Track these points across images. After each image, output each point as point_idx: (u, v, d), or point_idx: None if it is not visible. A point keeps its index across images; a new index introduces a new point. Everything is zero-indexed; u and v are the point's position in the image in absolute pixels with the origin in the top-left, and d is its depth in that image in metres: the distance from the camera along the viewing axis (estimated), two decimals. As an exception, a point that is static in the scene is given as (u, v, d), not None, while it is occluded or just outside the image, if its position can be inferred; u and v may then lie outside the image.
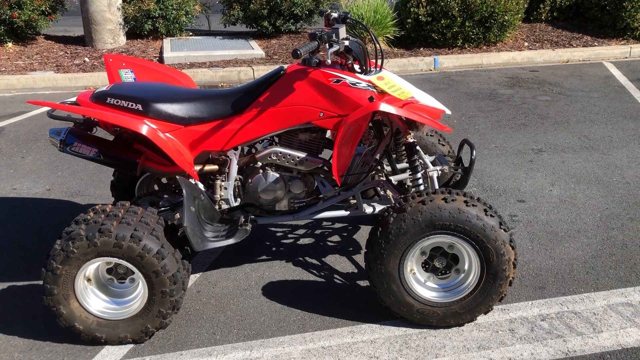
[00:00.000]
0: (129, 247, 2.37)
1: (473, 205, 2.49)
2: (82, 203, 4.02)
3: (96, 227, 2.38)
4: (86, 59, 8.12)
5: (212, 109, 2.75)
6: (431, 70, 8.39)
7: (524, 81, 7.51)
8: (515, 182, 4.31)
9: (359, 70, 2.76)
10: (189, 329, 2.68)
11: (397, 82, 2.78)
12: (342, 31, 2.64)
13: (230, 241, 2.66)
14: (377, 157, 2.94)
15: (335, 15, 2.89)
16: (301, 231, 3.60)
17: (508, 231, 2.52)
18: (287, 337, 2.61)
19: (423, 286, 2.65)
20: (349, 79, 2.67)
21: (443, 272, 2.66)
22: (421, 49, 8.84)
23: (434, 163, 3.07)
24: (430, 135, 3.43)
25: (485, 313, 2.66)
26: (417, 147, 2.90)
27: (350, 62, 2.74)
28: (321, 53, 2.66)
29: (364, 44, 2.76)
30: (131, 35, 9.06)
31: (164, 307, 2.48)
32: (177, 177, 2.62)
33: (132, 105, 2.67)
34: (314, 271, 3.15)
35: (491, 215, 2.49)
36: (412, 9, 8.70)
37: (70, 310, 2.47)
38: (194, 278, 3.10)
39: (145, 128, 2.52)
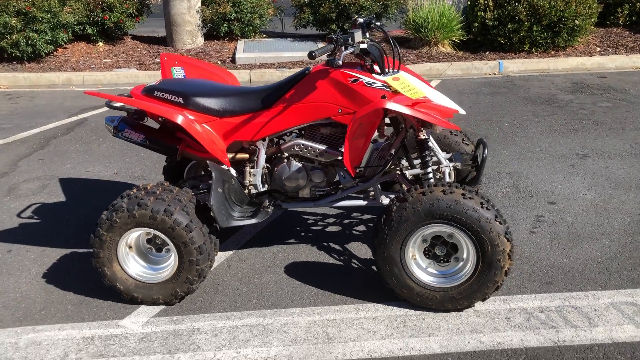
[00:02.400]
0: (162, 220, 2.76)
1: (470, 198, 2.68)
2: (143, 186, 4.50)
3: (136, 201, 2.78)
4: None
5: (244, 103, 3.09)
6: (495, 74, 8.42)
7: (588, 87, 7.41)
8: (550, 185, 4.38)
9: (379, 72, 3.02)
10: (214, 296, 3.04)
11: (412, 82, 3.01)
12: (358, 35, 2.91)
13: (253, 221, 3.00)
14: (393, 151, 3.18)
15: (361, 20, 3.15)
16: (330, 220, 3.89)
17: (504, 224, 2.69)
18: (297, 309, 2.91)
19: (423, 271, 2.87)
20: (365, 79, 2.93)
21: (443, 259, 2.86)
22: (487, 53, 8.87)
23: (449, 160, 3.27)
24: (455, 135, 3.62)
25: (482, 300, 2.84)
26: (430, 144, 3.12)
27: (368, 63, 3.00)
28: (347, 54, 2.91)
29: (381, 47, 3.01)
30: (209, 36, 9.66)
31: (191, 274, 2.85)
32: (208, 162, 2.98)
33: (174, 98, 3.07)
34: (335, 255, 3.43)
35: (487, 208, 2.68)
36: (479, 13, 8.75)
37: (113, 272, 2.89)
38: (227, 254, 3.46)
39: (180, 118, 2.91)
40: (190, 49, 9.20)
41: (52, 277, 3.23)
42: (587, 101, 6.73)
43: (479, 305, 2.91)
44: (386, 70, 3.01)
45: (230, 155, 3.19)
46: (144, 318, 2.86)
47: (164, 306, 2.95)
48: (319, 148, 3.10)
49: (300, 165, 3.15)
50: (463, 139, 3.63)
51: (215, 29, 9.46)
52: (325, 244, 3.58)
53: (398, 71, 3.05)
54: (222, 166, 3.10)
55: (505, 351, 2.58)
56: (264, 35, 10.04)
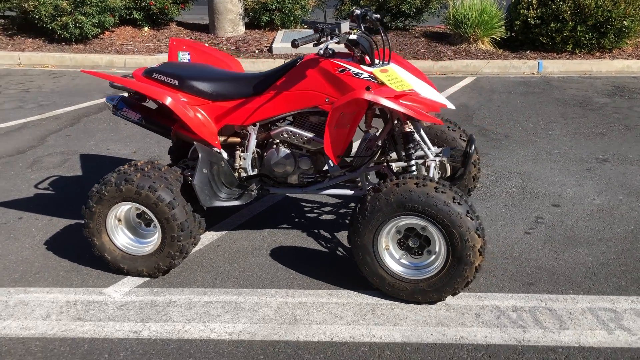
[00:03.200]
0: (146, 195, 2.89)
1: (442, 191, 2.70)
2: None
3: (124, 176, 2.93)
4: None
5: (237, 88, 3.19)
6: (533, 74, 8.23)
7: (628, 91, 7.16)
8: (559, 188, 4.30)
9: (370, 63, 3.06)
10: (196, 273, 3.16)
11: (400, 75, 3.03)
12: (345, 26, 2.95)
13: (236, 203, 3.11)
14: (379, 143, 3.21)
15: (357, 12, 3.18)
16: (327, 208, 3.95)
17: (475, 220, 2.69)
18: (273, 290, 3.00)
19: (396, 262, 2.90)
20: (352, 69, 2.98)
21: (417, 251, 2.88)
22: (527, 52, 8.67)
23: (437, 154, 3.27)
24: (452, 130, 3.61)
25: (452, 295, 2.85)
26: (417, 137, 3.14)
27: (358, 54, 3.04)
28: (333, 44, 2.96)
29: (371, 39, 3.04)
30: (250, 25, 9.83)
31: (173, 250, 2.98)
32: (195, 143, 3.10)
33: (170, 80, 3.20)
34: (323, 242, 3.49)
35: (459, 203, 2.68)
36: (521, 11, 8.56)
37: (102, 242, 3.05)
38: (219, 234, 3.58)
39: (168, 99, 3.03)
40: (230, 37, 9.39)
41: (53, 245, 3.43)
42: (623, 105, 6.51)
43: (452, 300, 2.92)
44: (376, 61, 3.04)
45: (222, 139, 3.30)
46: (126, 288, 3.01)
47: (147, 278, 3.09)
48: (307, 136, 3.16)
49: (288, 151, 3.23)
50: (461, 135, 3.61)
51: (257, 19, 9.62)
52: (316, 231, 3.65)
53: (388, 63, 3.07)
54: (213, 148, 3.21)
55: (465, 346, 2.59)
56: (305, 26, 10.13)
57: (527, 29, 8.69)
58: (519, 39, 8.91)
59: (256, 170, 3.33)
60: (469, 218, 2.68)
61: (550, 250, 3.43)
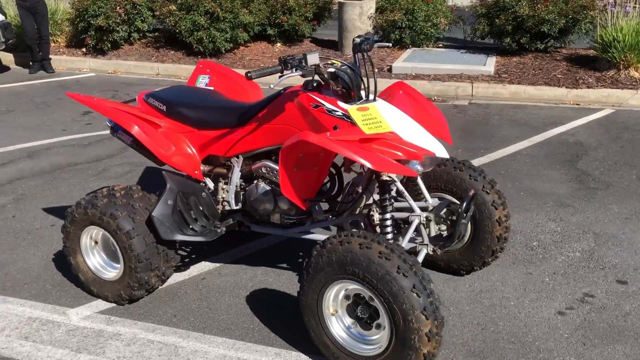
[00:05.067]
0: (107, 222, 2.85)
1: (387, 258, 2.25)
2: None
3: (92, 200, 2.92)
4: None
5: (222, 117, 3.02)
6: (693, 108, 6.86)
7: None
8: (640, 259, 3.45)
9: (364, 99, 2.70)
10: (162, 305, 3.04)
11: (382, 114, 2.62)
12: (313, 57, 2.63)
13: (199, 238, 2.93)
14: (359, 189, 2.82)
15: (357, 41, 2.84)
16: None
17: (425, 297, 2.21)
18: (220, 339, 2.77)
19: (344, 331, 2.50)
20: (327, 105, 2.65)
21: (367, 321, 2.46)
22: (691, 82, 7.27)
23: (428, 209, 2.78)
24: (475, 180, 3.05)
25: (401, 383, 2.38)
26: (397, 186, 2.69)
27: (337, 88, 2.69)
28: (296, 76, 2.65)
29: (356, 72, 2.67)
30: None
31: (132, 281, 2.90)
32: (163, 172, 2.99)
33: (160, 105, 3.13)
34: (309, 290, 3.17)
35: (404, 274, 2.22)
36: (688, 34, 7.20)
37: (77, 262, 3.07)
38: (212, 266, 3.42)
39: (134, 128, 2.95)
40: (356, 55, 9.24)
41: (59, 257, 3.55)
42: None
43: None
44: (361, 99, 2.68)
45: (208, 168, 3.15)
46: (88, 312, 3.00)
47: (114, 304, 3.05)
48: (284, 173, 2.88)
49: (268, 188, 2.98)
50: (484, 186, 3.04)
51: (386, 37, 9.34)
52: (311, 275, 3.32)
53: (373, 100, 2.68)
54: (190, 179, 3.07)
55: None
56: (441, 45, 9.62)
57: (694, 56, 7.28)
58: (683, 68, 7.50)
59: (240, 204, 3.13)
60: (414, 294, 2.21)
61: (579, 341, 2.74)
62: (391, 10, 9.18)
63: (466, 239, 3.13)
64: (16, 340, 2.76)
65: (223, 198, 3.13)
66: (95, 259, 3.08)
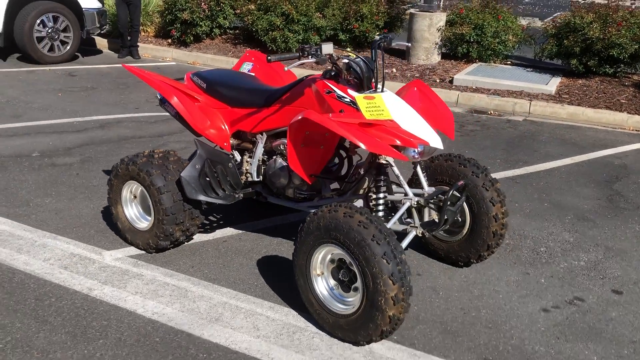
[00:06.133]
0: (143, 178, 3.29)
1: (364, 227, 2.53)
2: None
3: (134, 159, 3.37)
4: (394, 70, 9.22)
5: (252, 98, 3.39)
6: None
7: None
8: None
9: (373, 88, 3.00)
10: (181, 258, 3.44)
11: (387, 104, 2.90)
12: (327, 47, 2.94)
13: (219, 201, 3.32)
14: (361, 171, 3.10)
15: (377, 38, 3.14)
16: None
17: (394, 265, 2.47)
18: (225, 290, 3.13)
19: (328, 291, 2.79)
20: (338, 92, 2.97)
21: (348, 285, 2.74)
22: None
23: (420, 195, 3.03)
24: (477, 176, 3.26)
25: (367, 342, 2.65)
26: (393, 170, 2.96)
27: (351, 78, 3.00)
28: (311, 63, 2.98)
29: (370, 66, 2.96)
30: (447, 56, 9.75)
31: (159, 231, 3.32)
32: (195, 140, 3.39)
33: (201, 84, 3.55)
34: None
35: (377, 242, 2.50)
36: None
37: (117, 212, 3.53)
38: (235, 232, 3.79)
39: (174, 98, 3.37)
40: (421, 65, 9.44)
41: (107, 211, 4.04)
42: None
43: (379, 349, 2.70)
44: (370, 88, 2.97)
45: (237, 142, 3.54)
46: (120, 255, 3.45)
47: (143, 251, 3.48)
48: (298, 151, 3.21)
49: (285, 164, 3.32)
50: (484, 183, 3.25)
51: (453, 49, 9.49)
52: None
53: (382, 91, 2.97)
54: (218, 149, 3.47)
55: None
56: (509, 62, 9.65)
57: None
58: None
59: (260, 177, 3.49)
60: (384, 260, 2.47)
61: (553, 335, 2.90)
62: (460, 24, 9.34)
63: (465, 231, 3.34)
64: (57, 269, 3.24)
65: (247, 170, 3.50)
66: (132, 210, 3.53)
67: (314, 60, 2.91)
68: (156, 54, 10.22)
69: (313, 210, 2.78)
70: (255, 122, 3.38)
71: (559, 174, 5.28)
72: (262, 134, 3.42)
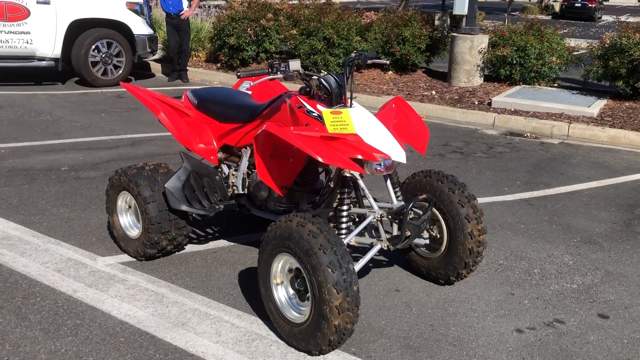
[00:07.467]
0: (132, 188, 3.47)
1: (313, 236, 2.58)
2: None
3: (126, 170, 3.57)
4: (434, 92, 9.18)
5: (237, 113, 3.53)
6: None
7: None
8: None
9: (342, 103, 3.07)
10: (167, 266, 3.58)
11: (353, 119, 2.95)
12: (295, 64, 3.04)
13: (202, 212, 3.45)
14: (331, 184, 3.15)
15: (352, 56, 3.22)
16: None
17: (339, 275, 2.50)
18: (200, 297, 3.24)
19: (287, 300, 2.84)
20: (307, 106, 3.06)
21: (303, 294, 2.78)
22: None
23: (388, 208, 3.03)
24: (452, 192, 3.24)
25: (319, 352, 2.68)
26: (357, 184, 2.99)
27: (322, 93, 3.08)
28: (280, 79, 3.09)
29: (339, 82, 3.04)
30: (489, 78, 9.62)
31: (146, 240, 3.48)
32: (180, 153, 3.55)
33: (194, 100, 3.73)
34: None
35: (324, 252, 2.54)
36: None
37: (113, 220, 3.73)
38: (228, 244, 3.91)
39: (160, 114, 3.54)
40: (462, 87, 9.35)
41: (114, 220, 4.26)
42: None
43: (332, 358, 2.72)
44: (341, 103, 3.04)
45: (225, 156, 3.68)
46: (112, 261, 3.63)
47: (133, 258, 3.65)
48: (275, 165, 3.30)
49: (264, 177, 3.41)
50: (460, 200, 3.21)
51: (495, 72, 9.36)
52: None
53: (350, 106, 3.03)
54: (204, 162, 3.61)
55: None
56: (556, 85, 9.41)
57: None
58: None
59: (245, 190, 3.59)
60: (329, 269, 2.51)
61: (519, 356, 2.82)
62: (503, 45, 9.22)
63: (443, 248, 3.31)
64: (51, 271, 3.46)
65: (232, 183, 3.62)
66: (126, 219, 3.72)
67: (282, 75, 3.02)
68: (205, 77, 10.66)
69: (274, 222, 2.86)
70: (240, 136, 3.51)
71: (579, 197, 5.10)
72: (246, 148, 3.54)
